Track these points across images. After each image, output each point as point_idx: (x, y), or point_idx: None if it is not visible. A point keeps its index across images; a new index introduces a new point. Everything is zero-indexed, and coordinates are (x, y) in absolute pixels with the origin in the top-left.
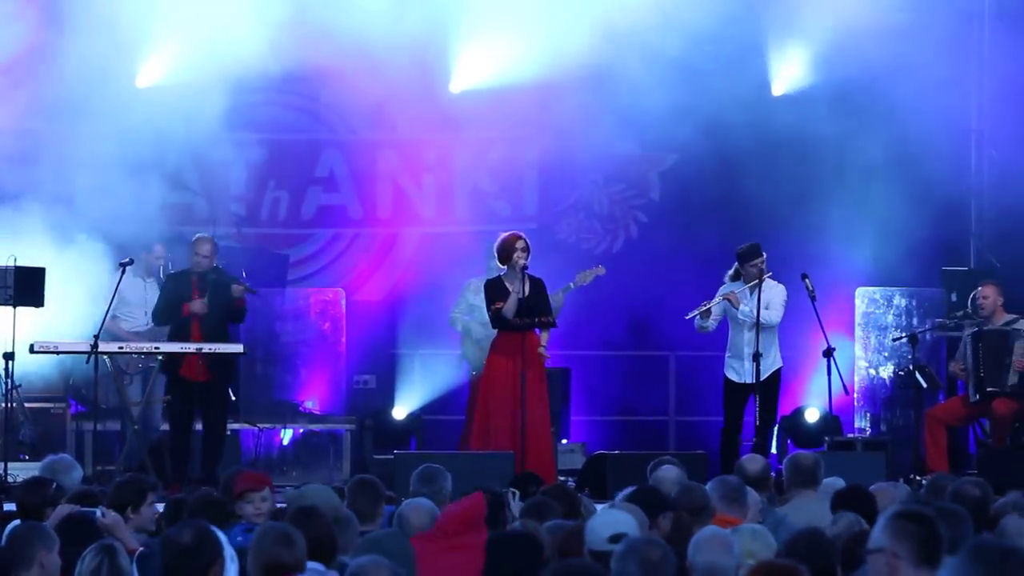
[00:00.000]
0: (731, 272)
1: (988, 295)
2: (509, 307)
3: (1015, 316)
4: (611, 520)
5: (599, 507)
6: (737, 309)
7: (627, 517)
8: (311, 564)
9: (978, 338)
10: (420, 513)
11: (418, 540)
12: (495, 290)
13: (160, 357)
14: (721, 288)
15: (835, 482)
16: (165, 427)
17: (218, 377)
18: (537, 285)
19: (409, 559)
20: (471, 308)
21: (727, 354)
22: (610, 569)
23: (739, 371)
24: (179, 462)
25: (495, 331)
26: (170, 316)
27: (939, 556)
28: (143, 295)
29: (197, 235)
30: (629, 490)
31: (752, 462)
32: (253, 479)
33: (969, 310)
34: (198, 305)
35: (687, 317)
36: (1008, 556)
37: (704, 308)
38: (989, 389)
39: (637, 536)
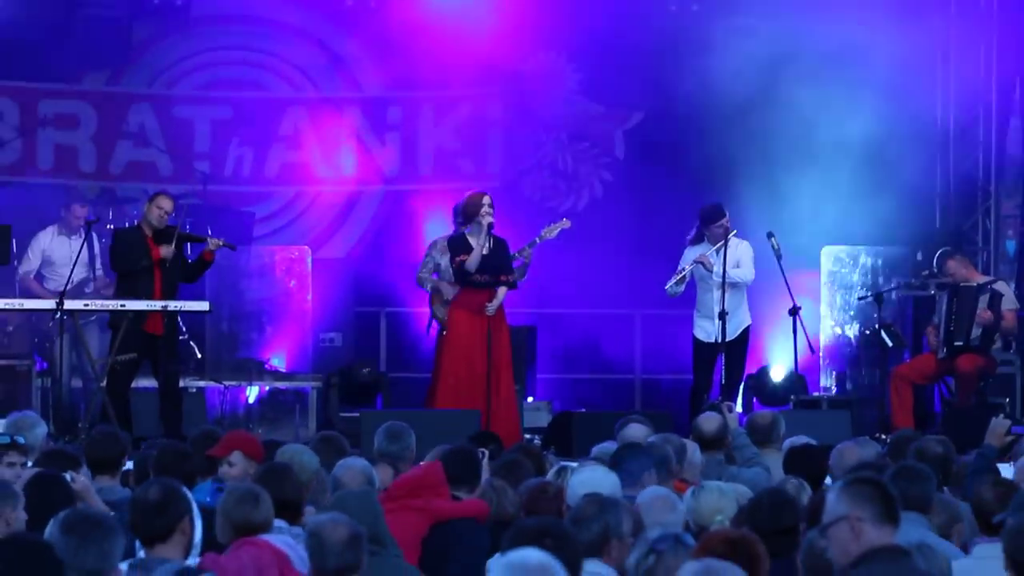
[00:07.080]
0: (692, 235)
1: (952, 270)
2: (472, 260)
3: (992, 278)
4: (591, 478)
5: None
6: (711, 272)
7: (609, 475)
8: (276, 521)
9: (954, 293)
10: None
11: None
12: (458, 245)
13: (129, 314)
14: (686, 252)
15: (802, 440)
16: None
17: (173, 330)
18: (500, 245)
19: (377, 516)
20: (438, 268)
21: (696, 313)
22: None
23: (708, 330)
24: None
25: None
26: (133, 262)
27: (898, 514)
28: (69, 253)
29: (158, 191)
30: (604, 445)
31: (708, 421)
32: (232, 443)
33: (935, 269)
34: (166, 250)
35: (666, 287)
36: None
37: (680, 276)
38: (956, 343)
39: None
